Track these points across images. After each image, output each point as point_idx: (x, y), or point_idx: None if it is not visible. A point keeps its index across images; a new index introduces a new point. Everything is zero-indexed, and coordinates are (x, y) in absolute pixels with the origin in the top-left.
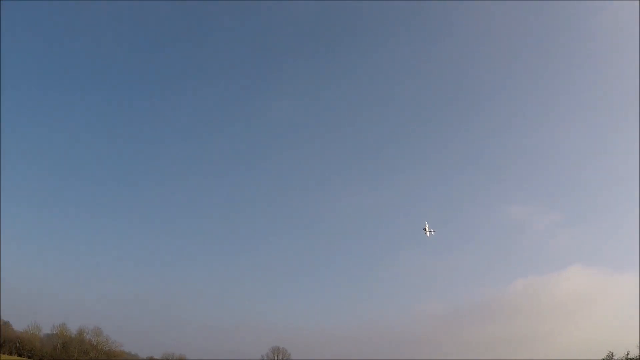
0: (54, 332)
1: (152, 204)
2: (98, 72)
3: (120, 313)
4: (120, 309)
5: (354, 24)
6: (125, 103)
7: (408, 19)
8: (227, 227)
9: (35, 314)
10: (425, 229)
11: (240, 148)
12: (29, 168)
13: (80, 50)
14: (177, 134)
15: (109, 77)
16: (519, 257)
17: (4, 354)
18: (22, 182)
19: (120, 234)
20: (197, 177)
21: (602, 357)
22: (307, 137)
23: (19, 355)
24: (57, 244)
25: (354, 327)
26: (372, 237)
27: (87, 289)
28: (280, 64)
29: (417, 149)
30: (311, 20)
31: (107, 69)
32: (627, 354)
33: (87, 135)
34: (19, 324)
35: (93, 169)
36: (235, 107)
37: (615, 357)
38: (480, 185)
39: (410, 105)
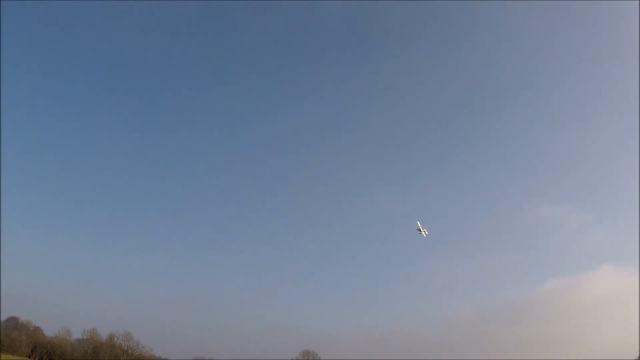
0: (85, 337)
1: (182, 208)
2: (125, 73)
3: (150, 317)
4: (151, 313)
5: (377, 24)
6: (145, 104)
7: (432, 19)
8: (255, 231)
9: (65, 319)
10: (419, 230)
11: (262, 150)
12: (59, 169)
13: (105, 49)
14: (199, 137)
15: (127, 77)
16: (550, 258)
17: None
18: (54, 185)
19: (150, 239)
20: (221, 180)
21: (634, 359)
22: (330, 138)
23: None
24: (87, 250)
25: (383, 330)
26: (401, 239)
27: (117, 294)
28: (301, 65)
29: (445, 150)
30: (333, 20)
31: (127, 68)
32: None
33: (114, 136)
34: (50, 330)
35: (124, 171)
36: (256, 108)
37: None
38: (511, 185)
39: (436, 105)
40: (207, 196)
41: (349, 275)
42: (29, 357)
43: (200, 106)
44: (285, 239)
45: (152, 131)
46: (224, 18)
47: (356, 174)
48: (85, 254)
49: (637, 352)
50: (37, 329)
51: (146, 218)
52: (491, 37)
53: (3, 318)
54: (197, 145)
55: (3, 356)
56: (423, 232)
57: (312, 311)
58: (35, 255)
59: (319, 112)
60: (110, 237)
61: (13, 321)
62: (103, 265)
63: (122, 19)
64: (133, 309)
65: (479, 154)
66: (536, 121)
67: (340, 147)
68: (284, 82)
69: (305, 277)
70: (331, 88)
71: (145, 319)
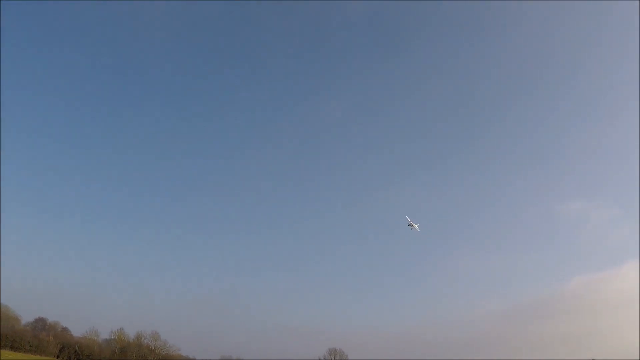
0: (112, 337)
1: (210, 207)
2: (154, 73)
3: (177, 317)
4: (178, 312)
5: (408, 23)
6: (174, 106)
7: (442, 18)
8: (280, 230)
9: (93, 319)
10: (410, 225)
11: (280, 149)
12: (89, 167)
13: (137, 51)
14: (230, 137)
15: (157, 81)
16: (579, 253)
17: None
18: (77, 184)
19: (178, 238)
20: (242, 179)
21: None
22: (360, 136)
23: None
24: (115, 250)
25: (411, 327)
26: (429, 236)
27: (144, 294)
28: (330, 65)
29: (475, 148)
30: (361, 20)
31: (154, 70)
32: None
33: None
34: (78, 330)
35: (153, 172)
36: (285, 109)
37: None
38: (538, 181)
39: (467, 104)
40: (230, 196)
41: (375, 273)
42: (57, 357)
43: (220, 106)
44: (310, 239)
45: (178, 132)
46: (244, 18)
47: (372, 171)
48: (111, 254)
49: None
50: (64, 329)
51: (171, 218)
52: (504, 35)
53: (31, 319)
54: (217, 146)
55: (32, 357)
56: (415, 227)
57: (338, 310)
58: (62, 256)
59: (337, 109)
60: (135, 238)
61: (41, 322)
62: (129, 266)
63: (137, 19)
64: (160, 308)
65: (503, 149)
66: (562, 115)
67: (357, 144)
68: (298, 82)
69: (332, 275)
70: (344, 86)
71: (173, 318)
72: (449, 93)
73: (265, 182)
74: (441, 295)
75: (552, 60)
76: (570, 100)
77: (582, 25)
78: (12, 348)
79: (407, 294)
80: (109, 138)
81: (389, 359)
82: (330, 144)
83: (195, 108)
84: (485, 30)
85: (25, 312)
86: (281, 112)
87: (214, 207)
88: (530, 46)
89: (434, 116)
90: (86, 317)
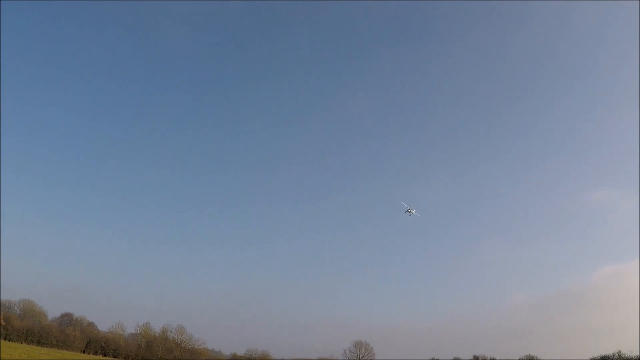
0: (138, 332)
1: (235, 203)
2: (183, 70)
3: (203, 310)
4: (203, 306)
5: (431, 18)
6: (204, 101)
7: (484, 15)
8: (307, 224)
9: (119, 314)
10: (408, 211)
11: (314, 145)
12: (119, 168)
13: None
14: (258, 130)
15: (185, 75)
16: (605, 243)
17: (88, 353)
18: (106, 183)
19: (202, 233)
20: (272, 174)
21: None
22: (386, 128)
23: (104, 355)
24: (140, 246)
25: (437, 320)
26: (454, 227)
27: (170, 288)
28: (360, 58)
29: (499, 138)
30: (389, 15)
31: (183, 67)
32: None
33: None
34: (104, 325)
35: (174, 165)
36: (316, 101)
37: None
38: (563, 171)
39: (489, 95)
40: (259, 190)
41: (402, 265)
42: (84, 352)
43: (251, 104)
44: (336, 231)
45: (205, 128)
46: (274, 17)
47: (412, 164)
48: (137, 250)
49: None
50: (91, 324)
51: (197, 213)
52: (545, 32)
53: (58, 314)
54: (249, 142)
55: (58, 352)
56: (413, 212)
57: (364, 302)
58: (88, 252)
59: (371, 106)
60: (160, 233)
61: (67, 317)
62: (154, 261)
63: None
64: (186, 302)
65: (533, 142)
66: (588, 107)
67: (390, 138)
68: (345, 76)
69: (356, 269)
70: (391, 80)
71: (198, 312)
72: (472, 84)
73: (293, 177)
74: (467, 287)
75: (570, 49)
76: (593, 90)
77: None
78: (39, 343)
79: (433, 286)
80: (133, 134)
81: (414, 359)
82: (357, 137)
83: (217, 104)
84: (506, 24)
85: (52, 308)
86: (307, 110)
87: (239, 202)
88: (546, 38)
89: (455, 105)
90: (112, 312)
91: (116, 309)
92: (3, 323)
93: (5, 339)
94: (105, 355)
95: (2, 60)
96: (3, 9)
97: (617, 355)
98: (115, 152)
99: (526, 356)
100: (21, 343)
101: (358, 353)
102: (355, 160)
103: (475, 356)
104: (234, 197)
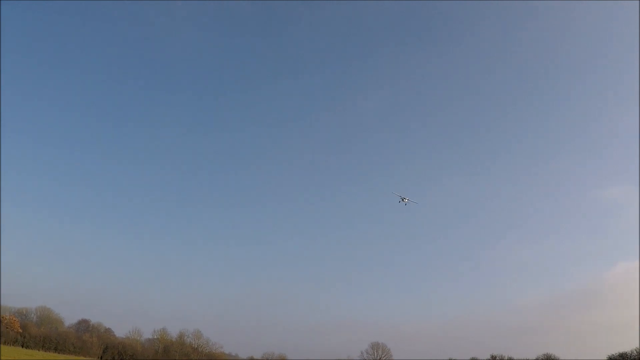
0: (155, 337)
1: (247, 203)
2: (190, 71)
3: (219, 314)
4: (220, 310)
5: (439, 17)
6: (210, 101)
7: (491, 13)
8: (321, 226)
9: (136, 319)
10: (402, 200)
11: (325, 143)
12: (133, 170)
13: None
14: (264, 130)
15: (189, 75)
16: (619, 240)
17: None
18: (123, 187)
19: (215, 235)
20: (284, 174)
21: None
22: (395, 128)
23: None
24: (153, 250)
25: (451, 320)
26: (465, 227)
27: (186, 293)
28: (367, 57)
29: (509, 136)
30: (396, 14)
31: (190, 68)
32: None
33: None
34: (121, 330)
35: (193, 171)
36: (323, 100)
37: None
38: (576, 168)
39: (499, 93)
40: (272, 191)
41: (416, 265)
42: (101, 358)
43: (257, 104)
44: (348, 231)
45: (222, 129)
46: (283, 16)
47: (421, 164)
48: (150, 254)
49: None
50: (108, 330)
51: (212, 216)
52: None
53: (74, 321)
54: (256, 142)
55: (76, 359)
56: (407, 201)
57: (378, 303)
58: (103, 257)
59: (379, 106)
60: (176, 238)
61: (84, 323)
62: (171, 265)
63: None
64: (202, 307)
65: (546, 139)
66: (600, 104)
67: (399, 138)
68: (353, 75)
69: (371, 270)
70: (399, 79)
71: (215, 316)
72: (481, 82)
73: (305, 176)
74: (480, 286)
75: (577, 47)
76: (603, 87)
77: None
78: (56, 350)
79: (446, 286)
80: (140, 134)
81: (432, 359)
82: (370, 136)
83: (227, 106)
84: (511, 23)
85: (69, 315)
86: (319, 108)
87: (251, 203)
88: (552, 36)
89: (464, 104)
90: (129, 318)
91: (132, 315)
92: (20, 330)
93: (22, 347)
94: None
95: (5, 60)
96: (3, 9)
97: (635, 352)
98: (129, 154)
99: (544, 355)
100: (38, 350)
101: (375, 354)
102: (365, 160)
103: (492, 356)
104: (247, 198)
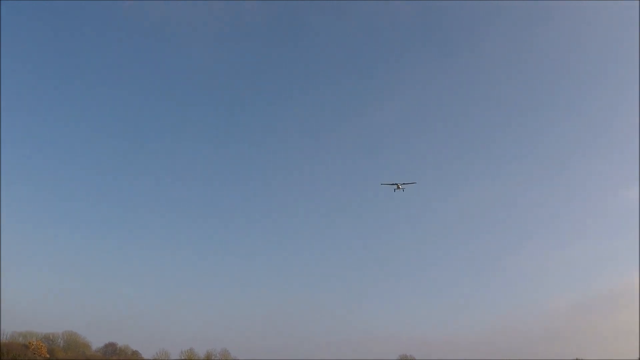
0: (182, 357)
1: (270, 215)
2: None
3: (246, 331)
4: (247, 327)
5: (457, 23)
6: (229, 113)
7: (508, 15)
8: (346, 233)
9: (163, 340)
10: (397, 188)
11: (347, 151)
12: (143, 181)
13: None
14: (282, 139)
15: (204, 86)
16: None
17: None
18: (141, 198)
19: (240, 249)
20: (306, 182)
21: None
22: (417, 135)
23: None
24: (179, 270)
25: (480, 328)
26: (489, 232)
27: (212, 311)
28: (386, 65)
29: (532, 138)
30: (413, 20)
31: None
32: None
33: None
34: (148, 352)
35: (208, 180)
36: (342, 110)
37: None
38: (601, 169)
39: (520, 94)
40: (295, 199)
41: (442, 275)
42: None
43: (284, 111)
44: (377, 242)
45: (234, 138)
46: (301, 20)
47: (441, 171)
48: (177, 273)
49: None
50: (135, 352)
51: (236, 227)
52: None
53: (101, 344)
54: (282, 149)
55: None
56: (402, 187)
57: (408, 315)
58: (129, 279)
59: (398, 114)
60: (200, 253)
61: (111, 347)
62: (195, 283)
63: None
64: (229, 324)
65: (568, 140)
66: (616, 104)
67: (422, 145)
68: (371, 84)
69: (399, 280)
70: (418, 88)
71: (242, 333)
72: (500, 86)
73: (326, 184)
74: (509, 292)
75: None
76: (623, 89)
77: None
78: None
79: (476, 294)
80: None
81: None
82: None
83: (244, 116)
84: (530, 23)
85: (96, 338)
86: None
87: (274, 212)
88: (569, 40)
89: (484, 109)
90: (155, 339)
91: (159, 336)
92: (48, 355)
93: None
94: None
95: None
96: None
97: None
98: (152, 169)
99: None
100: None
101: None
102: (385, 167)
103: None
104: (267, 208)
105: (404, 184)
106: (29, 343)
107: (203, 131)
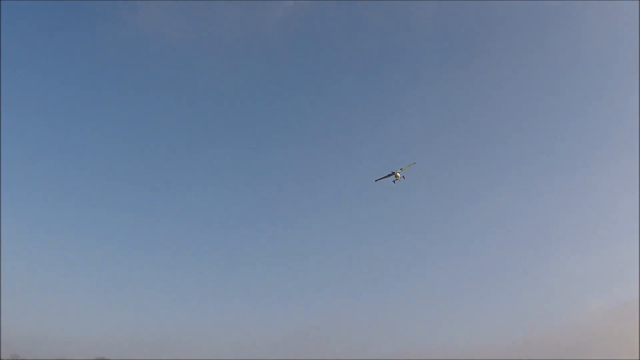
0: None
1: (305, 233)
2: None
3: (280, 350)
4: (280, 346)
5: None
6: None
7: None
8: (382, 251)
9: None
10: (395, 178)
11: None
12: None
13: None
14: (309, 150)
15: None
16: None
17: None
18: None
19: (274, 272)
20: (338, 199)
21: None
22: (438, 143)
23: None
24: (214, 290)
25: (517, 338)
26: (519, 240)
27: (244, 331)
28: (409, 75)
29: (561, 147)
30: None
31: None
32: None
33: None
34: None
35: (234, 186)
36: (365, 124)
37: None
38: (616, 170)
39: (550, 102)
40: (320, 209)
41: (472, 285)
42: None
43: (301, 117)
44: (408, 256)
45: (262, 144)
46: (315, 20)
47: (467, 183)
48: (202, 293)
49: None
50: None
51: (275, 232)
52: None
53: None
54: (307, 158)
55: None
56: (401, 173)
57: (437, 327)
58: (153, 304)
59: (423, 127)
60: (236, 275)
61: None
62: (232, 302)
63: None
64: (261, 346)
65: (603, 144)
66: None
67: (448, 150)
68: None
69: (435, 294)
70: (432, 103)
71: (275, 352)
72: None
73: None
74: (542, 301)
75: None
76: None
77: None
78: None
79: (507, 304)
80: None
81: None
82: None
83: (266, 131)
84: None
85: None
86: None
87: (300, 237)
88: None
89: (519, 122)
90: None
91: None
92: None
93: None
94: None
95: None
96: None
97: None
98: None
99: None
100: None
101: None
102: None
103: None
104: (293, 231)
105: (401, 169)
106: None
107: (208, 133)
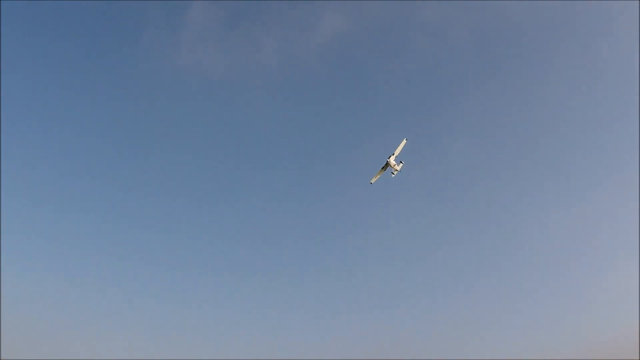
0: None
1: (345, 246)
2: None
3: None
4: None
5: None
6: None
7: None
8: (427, 266)
9: None
10: (393, 171)
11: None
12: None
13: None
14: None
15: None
16: None
17: None
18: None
19: (308, 282)
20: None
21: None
22: (492, 177)
23: None
24: (246, 305)
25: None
26: (579, 254)
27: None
28: (455, 99)
29: (610, 159)
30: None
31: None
32: None
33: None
34: None
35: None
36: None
37: None
38: None
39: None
40: (367, 238)
41: (536, 292)
42: None
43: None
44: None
45: (303, 169)
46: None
47: (523, 200)
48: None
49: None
50: None
51: (303, 261)
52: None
53: None
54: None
55: None
56: (396, 167)
57: (495, 341)
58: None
59: (472, 151)
60: (270, 293)
61: None
62: (275, 330)
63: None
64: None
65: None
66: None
67: (499, 175)
68: (438, 120)
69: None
70: (491, 122)
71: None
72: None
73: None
74: (602, 312)
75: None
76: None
77: None
78: None
79: (568, 315)
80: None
81: None
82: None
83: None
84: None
85: None
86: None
87: (344, 246)
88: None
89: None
90: None
91: None
92: None
93: None
94: None
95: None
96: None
97: None
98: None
99: None
100: None
101: None
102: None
103: None
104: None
105: (394, 154)
106: None
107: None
